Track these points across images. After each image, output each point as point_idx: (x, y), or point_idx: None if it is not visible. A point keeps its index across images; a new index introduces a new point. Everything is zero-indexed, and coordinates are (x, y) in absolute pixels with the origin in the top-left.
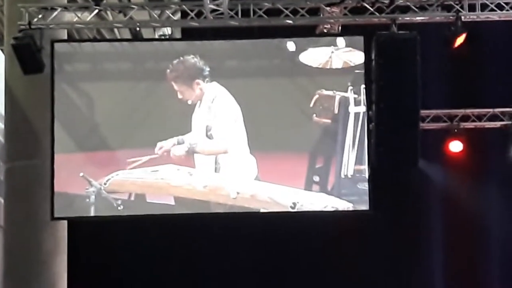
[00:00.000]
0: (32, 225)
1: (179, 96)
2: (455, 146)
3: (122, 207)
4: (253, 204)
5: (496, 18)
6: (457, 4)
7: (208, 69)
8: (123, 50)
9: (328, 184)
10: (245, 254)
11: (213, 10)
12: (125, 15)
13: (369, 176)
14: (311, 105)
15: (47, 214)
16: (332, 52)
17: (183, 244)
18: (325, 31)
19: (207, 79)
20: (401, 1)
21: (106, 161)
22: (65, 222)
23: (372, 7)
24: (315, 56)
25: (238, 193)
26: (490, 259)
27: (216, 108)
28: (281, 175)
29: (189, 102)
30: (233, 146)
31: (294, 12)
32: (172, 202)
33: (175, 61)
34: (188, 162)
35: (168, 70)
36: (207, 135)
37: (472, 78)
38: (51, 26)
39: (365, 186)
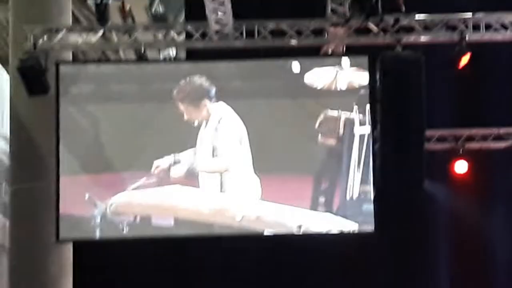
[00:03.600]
0: (37, 247)
1: (186, 117)
2: (461, 167)
3: (127, 229)
4: (259, 226)
5: (500, 37)
6: (461, 24)
7: (215, 89)
8: (128, 71)
9: (334, 205)
10: (251, 276)
11: (217, 31)
12: (130, 36)
13: (374, 197)
14: (316, 126)
15: (53, 236)
16: (337, 72)
17: (189, 265)
18: (329, 51)
19: (214, 99)
20: (406, 21)
21: (111, 183)
22: (71, 244)
23: (376, 27)
24: (320, 76)
25: (243, 215)
26: (497, 279)
27: (222, 128)
28: (286, 197)
29: (196, 123)
30: (236, 166)
31: (299, 32)
32: (177, 224)
33: (181, 82)
34: (192, 182)
35: (175, 91)
36: (213, 155)
37: (477, 98)
38: (56, 47)
39: (370, 207)
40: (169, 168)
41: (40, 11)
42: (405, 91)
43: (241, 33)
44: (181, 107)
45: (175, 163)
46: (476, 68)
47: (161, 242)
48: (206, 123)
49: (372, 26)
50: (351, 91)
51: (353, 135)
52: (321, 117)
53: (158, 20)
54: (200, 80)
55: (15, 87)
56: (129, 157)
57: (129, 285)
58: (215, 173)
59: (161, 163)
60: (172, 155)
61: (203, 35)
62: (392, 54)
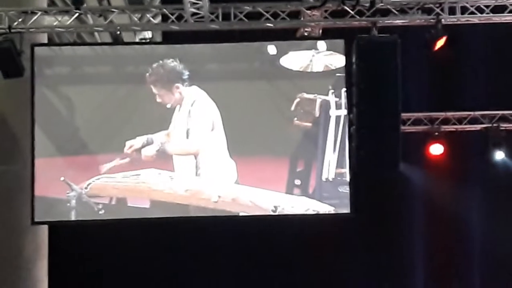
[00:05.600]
0: (12, 230)
1: (158, 100)
2: (436, 149)
3: (103, 211)
4: (235, 208)
5: (476, 21)
6: (437, 7)
7: (187, 73)
8: (104, 54)
9: (309, 187)
10: (227, 258)
11: (193, 14)
12: (105, 18)
13: (350, 179)
14: (292, 108)
15: (28, 219)
16: (313, 55)
17: (164, 248)
18: (305, 34)
19: (186, 83)
20: (382, 4)
21: (87, 165)
22: (46, 226)
23: (352, 10)
24: (296, 59)
25: (219, 196)
26: (471, 260)
27: (195, 112)
28: (262, 179)
29: (168, 105)
30: (209, 149)
31: (275, 15)
32: (152, 206)
33: (154, 65)
34: (167, 165)
35: (148, 74)
36: (187, 138)
37: (453, 81)
38: (31, 30)
39: (346, 189)
40: (141, 149)
41: None
42: (380, 74)
43: (217, 16)
44: (154, 90)
45: (147, 143)
46: (452, 51)
47: (136, 224)
48: (180, 107)
49: (348, 9)
50: (327, 74)
51: (329, 118)
52: (297, 99)
53: (134, 3)
54: (172, 64)
55: None
56: (104, 139)
57: (104, 267)
58: (187, 155)
59: (133, 143)
60: (145, 136)
61: (179, 18)
62: (368, 37)
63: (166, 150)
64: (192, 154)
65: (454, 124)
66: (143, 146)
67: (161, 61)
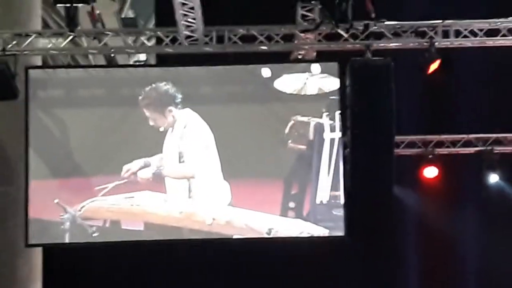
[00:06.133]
0: (6, 252)
1: (151, 123)
2: (430, 172)
3: (97, 233)
4: (229, 231)
5: (469, 44)
6: (431, 31)
7: (180, 95)
8: (98, 76)
9: (304, 210)
10: (222, 280)
11: (188, 37)
12: (99, 41)
13: (344, 202)
14: (286, 131)
15: (22, 241)
16: (307, 78)
17: (158, 270)
18: (299, 57)
19: (179, 106)
20: (375, 27)
21: (81, 188)
22: (40, 249)
23: (346, 33)
24: (290, 82)
25: (213, 219)
26: (466, 282)
27: (188, 134)
28: (256, 202)
29: (161, 129)
30: (203, 171)
31: (269, 38)
32: (146, 229)
33: (147, 88)
34: (159, 187)
35: (140, 97)
36: (180, 161)
37: (446, 104)
38: (25, 52)
39: (340, 212)
40: (137, 171)
41: (10, 16)
42: (374, 97)
43: (211, 39)
44: (147, 113)
45: (145, 166)
46: (446, 74)
47: (130, 247)
48: (172, 130)
49: (342, 32)
50: (321, 96)
51: (323, 141)
52: (291, 122)
53: (128, 25)
54: (165, 87)
55: None
56: (97, 162)
57: None
58: (182, 179)
59: (131, 167)
60: (142, 159)
61: (173, 40)
62: (361, 60)
63: (161, 173)
64: (187, 178)
65: (448, 147)
66: (140, 169)
67: (153, 85)
